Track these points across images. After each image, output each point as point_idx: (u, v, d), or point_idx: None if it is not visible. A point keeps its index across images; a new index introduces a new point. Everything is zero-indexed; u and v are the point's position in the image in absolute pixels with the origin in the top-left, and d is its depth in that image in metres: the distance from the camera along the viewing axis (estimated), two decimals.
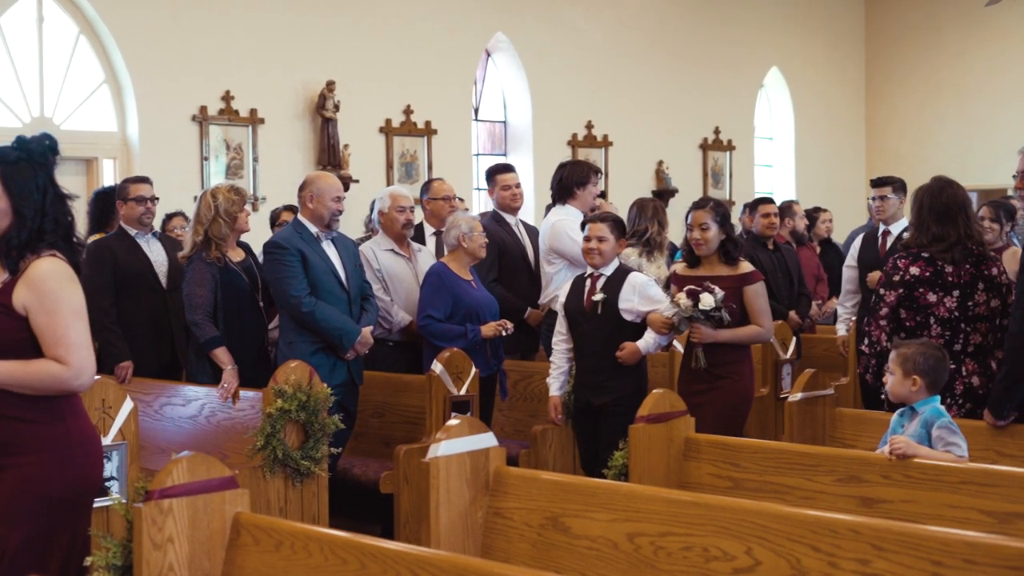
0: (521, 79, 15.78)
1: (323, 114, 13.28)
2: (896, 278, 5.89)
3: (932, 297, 5.83)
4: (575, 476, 4.55)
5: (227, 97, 12.72)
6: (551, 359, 6.94)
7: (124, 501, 3.69)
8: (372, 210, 9.38)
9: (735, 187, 18.24)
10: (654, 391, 5.23)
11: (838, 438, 5.95)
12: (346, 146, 13.43)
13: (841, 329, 9.00)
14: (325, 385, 6.38)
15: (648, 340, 6.55)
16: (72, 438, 3.85)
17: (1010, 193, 13.39)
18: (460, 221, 7.53)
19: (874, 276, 8.28)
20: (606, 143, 16.49)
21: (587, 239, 6.64)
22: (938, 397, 5.13)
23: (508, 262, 8.22)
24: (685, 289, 6.35)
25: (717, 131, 18.12)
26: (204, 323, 6.98)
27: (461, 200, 9.52)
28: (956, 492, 4.52)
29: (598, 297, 6.57)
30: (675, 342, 7.94)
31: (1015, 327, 5.35)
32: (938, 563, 3.45)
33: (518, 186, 8.52)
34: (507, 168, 8.64)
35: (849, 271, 8.87)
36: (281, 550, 3.65)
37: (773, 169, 19.74)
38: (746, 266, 6.64)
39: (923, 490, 4.59)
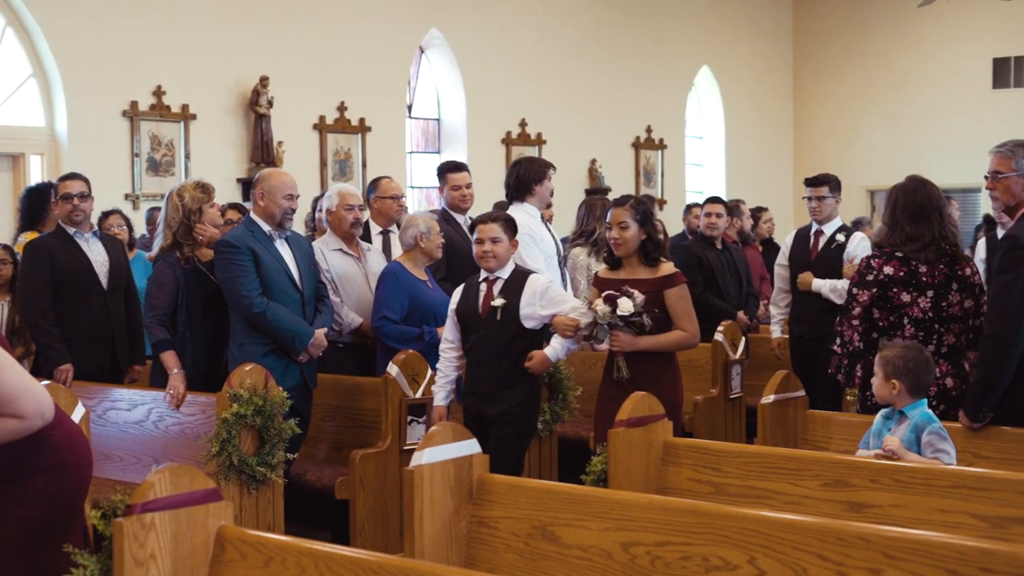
0: (455, 76, 15.64)
1: (256, 110, 13.05)
2: (870, 277, 5.82)
3: (906, 297, 5.77)
4: (565, 484, 4.39)
5: (158, 92, 12.46)
6: (437, 366, 6.53)
7: (104, 515, 3.47)
8: (313, 208, 9.19)
9: (667, 186, 18.24)
10: (633, 394, 5.10)
11: (810, 440, 5.86)
12: (280, 143, 13.20)
13: (776, 330, 8.71)
14: (281, 389, 6.19)
15: (556, 347, 6.24)
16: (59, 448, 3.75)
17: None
18: (418, 220, 7.35)
19: (805, 278, 8.17)
20: (540, 141, 16.40)
21: (479, 241, 6.25)
22: (926, 401, 5.06)
23: (457, 262, 8.01)
24: (603, 295, 5.99)
25: (649, 130, 18.12)
26: (154, 326, 6.76)
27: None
28: (947, 496, 4.43)
29: (497, 303, 6.19)
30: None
31: (990, 329, 5.30)
32: (953, 572, 3.35)
33: (469, 186, 8.33)
34: (459, 167, 8.44)
35: (781, 270, 8.57)
36: (271, 566, 3.46)
37: (703, 168, 19.77)
38: (668, 267, 6.20)
39: (913, 494, 4.50)
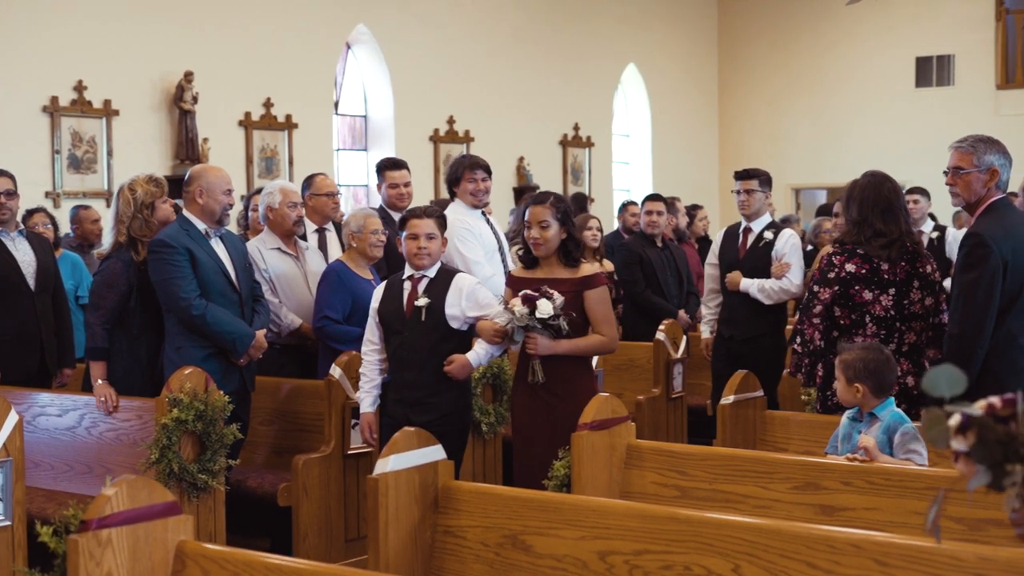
0: (383, 73, 15.43)
1: (181, 106, 12.75)
2: (831, 275, 5.71)
3: (868, 295, 5.67)
4: (537, 491, 4.23)
5: (80, 87, 12.13)
6: (360, 371, 6.17)
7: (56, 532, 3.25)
8: (246, 207, 8.94)
9: (594, 184, 18.17)
10: (597, 395, 4.95)
11: (769, 441, 5.76)
12: (205, 140, 12.91)
13: (705, 331, 8.44)
14: (222, 393, 5.97)
15: (479, 352, 5.86)
16: None
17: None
18: (351, 219, 7.17)
19: (733, 278, 7.93)
20: (468, 139, 16.24)
21: (413, 237, 5.92)
22: (892, 399, 4.97)
23: (396, 262, 7.81)
24: (520, 295, 5.63)
25: (577, 127, 18.04)
26: (97, 328, 6.47)
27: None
28: (922, 499, 4.33)
29: (421, 302, 5.86)
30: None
31: (955, 328, 5.22)
32: None
33: (407, 185, 8.13)
34: (397, 164, 8.24)
35: (711, 269, 8.28)
36: None
37: (630, 166, 19.73)
38: (588, 268, 5.86)
39: (887, 497, 4.40)
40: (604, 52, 18.49)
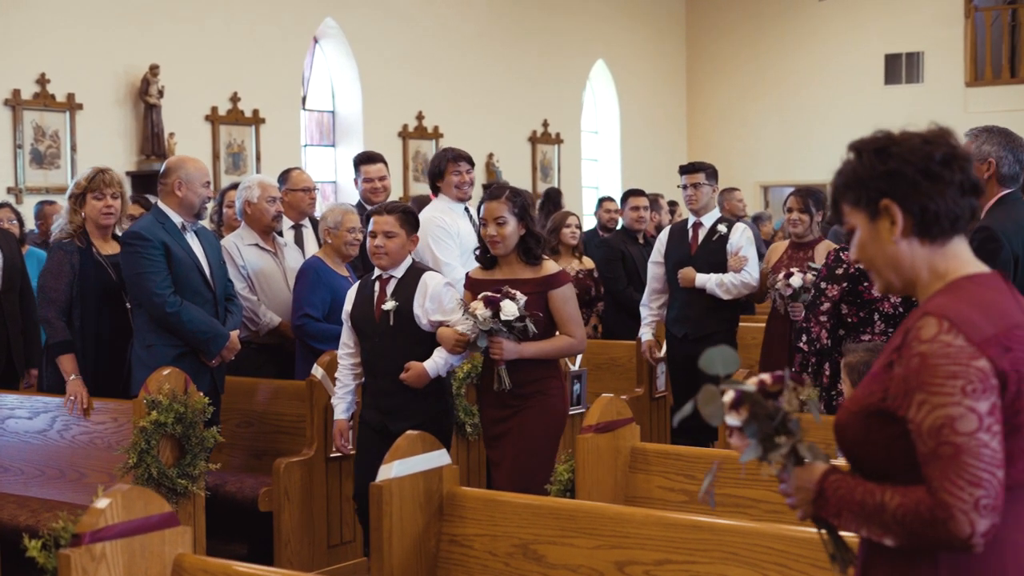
0: (351, 67, 15.19)
1: (146, 100, 12.47)
2: (840, 271, 5.53)
3: (877, 292, 5.50)
4: (549, 498, 4.03)
5: (42, 80, 11.83)
6: (336, 375, 5.90)
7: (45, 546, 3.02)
8: (220, 203, 8.70)
9: (563, 181, 18.01)
10: (600, 397, 4.76)
11: None
12: (171, 135, 12.63)
13: (646, 333, 8.10)
14: (202, 394, 5.74)
15: (437, 360, 5.48)
16: None
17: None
18: (328, 214, 6.94)
19: (687, 274, 7.68)
20: (437, 135, 16.03)
21: (371, 235, 5.61)
22: None
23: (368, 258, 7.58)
24: (481, 297, 5.29)
25: (546, 124, 17.89)
26: (56, 322, 6.22)
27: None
28: None
29: (388, 305, 5.54)
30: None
31: None
32: None
33: (382, 179, 7.90)
34: (372, 158, 8.01)
35: (655, 268, 7.96)
36: None
37: (599, 163, 19.59)
38: (551, 266, 5.53)
39: None
40: (573, 48, 18.34)
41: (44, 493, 6.11)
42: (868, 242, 2.50)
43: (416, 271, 5.66)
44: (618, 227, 10.07)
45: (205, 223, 9.09)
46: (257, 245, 7.12)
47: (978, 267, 2.45)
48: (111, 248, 6.46)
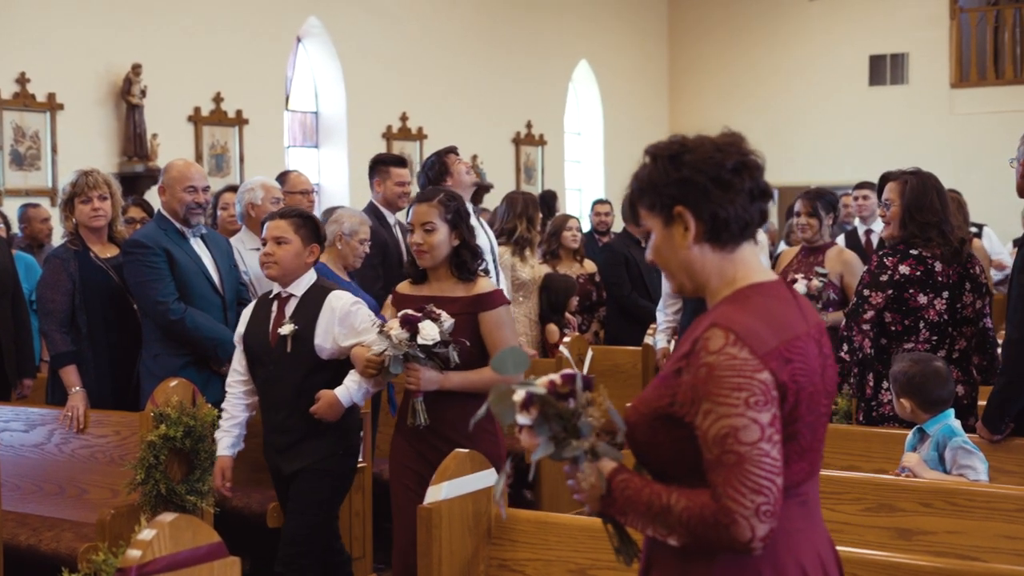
0: (335, 68, 14.94)
1: (129, 100, 12.17)
2: (884, 278, 5.29)
3: (923, 299, 5.27)
4: None
5: (22, 80, 11.54)
6: (223, 406, 5.23)
7: None
8: (214, 206, 8.44)
9: (547, 182, 17.83)
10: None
11: None
12: (154, 136, 12.33)
13: (661, 340, 7.83)
14: (211, 405, 5.50)
15: (350, 386, 4.89)
16: None
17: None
18: (345, 217, 6.56)
19: None
20: (421, 136, 15.80)
21: (262, 241, 5.11)
22: (950, 413, 4.62)
23: (389, 267, 7.28)
24: (400, 315, 4.59)
25: (529, 125, 17.70)
26: (55, 334, 6.00)
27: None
28: (1012, 521, 3.97)
29: (285, 330, 4.94)
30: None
31: (1015, 333, 4.85)
32: None
33: (409, 183, 7.69)
34: (402, 161, 7.75)
35: None
36: None
37: (582, 164, 19.42)
38: (485, 284, 4.76)
39: (973, 519, 4.03)
40: (556, 49, 18.17)
41: (43, 510, 5.84)
42: (663, 246, 2.57)
43: (320, 290, 5.07)
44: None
45: None
46: (259, 249, 6.86)
47: (765, 275, 2.56)
48: (110, 251, 6.24)
